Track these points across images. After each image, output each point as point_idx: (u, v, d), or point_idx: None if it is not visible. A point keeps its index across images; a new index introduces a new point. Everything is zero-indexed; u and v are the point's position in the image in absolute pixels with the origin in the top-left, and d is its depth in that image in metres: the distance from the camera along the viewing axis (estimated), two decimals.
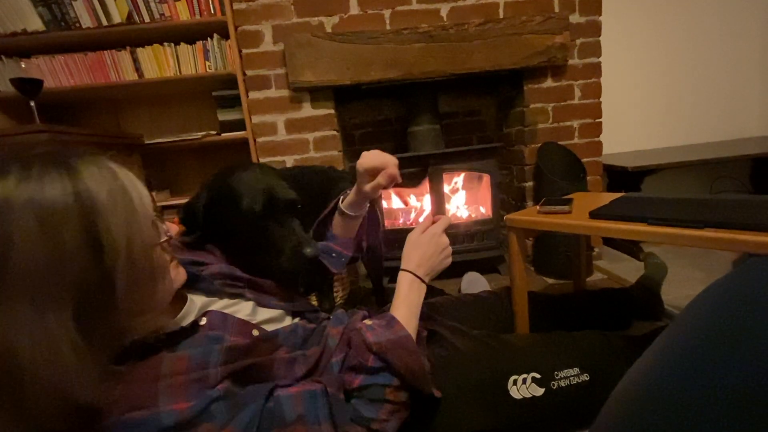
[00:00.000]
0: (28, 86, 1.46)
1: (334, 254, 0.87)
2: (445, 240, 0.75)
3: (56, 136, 1.30)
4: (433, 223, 0.78)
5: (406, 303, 0.67)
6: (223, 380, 0.47)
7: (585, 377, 0.71)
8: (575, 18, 1.67)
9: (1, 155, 0.38)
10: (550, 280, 1.67)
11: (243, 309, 0.64)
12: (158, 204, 1.72)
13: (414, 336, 0.63)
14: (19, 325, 0.34)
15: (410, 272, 0.71)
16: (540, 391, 0.69)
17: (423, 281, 0.71)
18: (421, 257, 0.72)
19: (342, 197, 0.87)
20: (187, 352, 0.48)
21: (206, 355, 0.48)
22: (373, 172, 0.77)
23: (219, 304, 0.62)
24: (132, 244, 0.41)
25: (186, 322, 0.53)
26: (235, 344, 0.52)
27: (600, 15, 1.68)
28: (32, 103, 1.46)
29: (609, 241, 1.92)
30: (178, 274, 0.54)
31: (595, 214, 0.83)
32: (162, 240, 0.49)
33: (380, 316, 0.66)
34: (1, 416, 0.35)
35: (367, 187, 0.79)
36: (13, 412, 0.35)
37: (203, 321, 0.53)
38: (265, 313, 0.66)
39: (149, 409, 0.41)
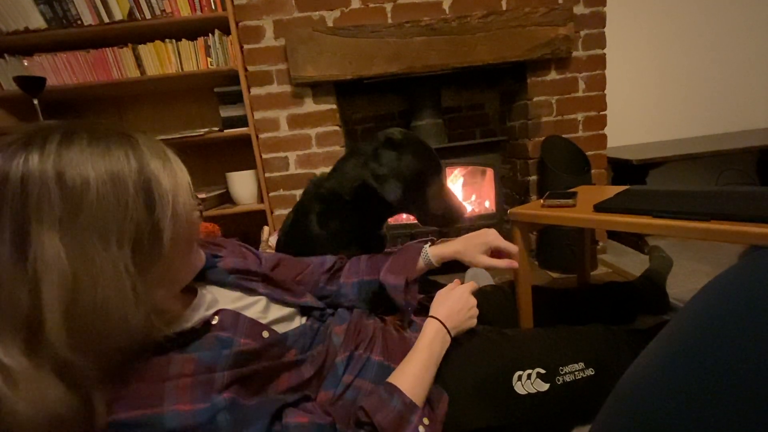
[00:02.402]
0: (31, 84, 1.46)
1: (410, 307, 0.83)
2: (473, 301, 0.77)
3: None
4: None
5: (429, 351, 0.65)
6: (229, 385, 0.47)
7: (590, 372, 0.71)
8: (579, 9, 1.65)
9: (71, 123, 0.45)
10: (555, 275, 1.66)
11: (255, 306, 0.63)
12: None
13: (421, 400, 0.60)
14: (87, 251, 0.40)
15: (439, 320, 0.70)
16: (545, 387, 0.68)
17: (449, 333, 0.70)
18: (449, 310, 0.73)
19: (426, 245, 0.86)
20: (196, 354, 0.48)
21: (215, 359, 0.48)
22: (491, 250, 0.84)
23: (230, 298, 0.61)
24: (177, 202, 0.48)
25: (197, 317, 0.53)
26: (245, 349, 0.52)
27: (605, 6, 1.66)
28: (35, 101, 1.47)
29: (613, 235, 1.91)
30: (200, 255, 0.58)
31: (599, 208, 0.82)
32: (198, 205, 0.54)
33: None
34: (45, 335, 0.37)
35: (485, 261, 0.83)
36: (62, 334, 0.38)
37: (215, 320, 0.54)
38: (276, 312, 0.66)
39: (153, 408, 0.42)
